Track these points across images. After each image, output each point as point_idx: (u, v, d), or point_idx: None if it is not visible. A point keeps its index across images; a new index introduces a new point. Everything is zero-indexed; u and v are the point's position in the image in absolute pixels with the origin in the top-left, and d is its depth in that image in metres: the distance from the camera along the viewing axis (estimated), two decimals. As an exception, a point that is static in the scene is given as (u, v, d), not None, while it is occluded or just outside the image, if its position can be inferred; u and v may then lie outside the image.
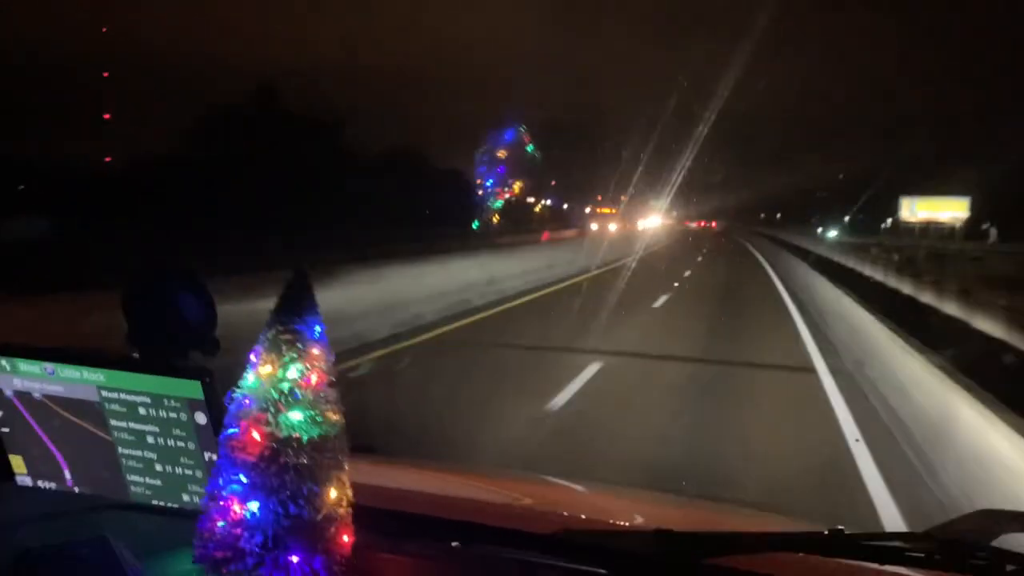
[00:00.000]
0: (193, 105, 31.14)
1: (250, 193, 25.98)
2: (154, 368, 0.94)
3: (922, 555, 0.94)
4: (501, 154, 50.42)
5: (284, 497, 0.79)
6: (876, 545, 0.98)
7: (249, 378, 0.83)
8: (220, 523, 0.80)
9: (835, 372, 7.01)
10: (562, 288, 15.42)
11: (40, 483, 1.02)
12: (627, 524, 1.34)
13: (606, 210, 54.79)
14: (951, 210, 47.00)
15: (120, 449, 0.97)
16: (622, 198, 49.44)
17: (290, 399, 0.81)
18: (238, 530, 0.79)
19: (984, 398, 3.92)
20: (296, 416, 0.81)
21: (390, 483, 1.37)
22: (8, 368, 0.98)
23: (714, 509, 1.74)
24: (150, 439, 0.96)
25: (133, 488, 0.99)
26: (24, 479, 1.02)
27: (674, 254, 31.37)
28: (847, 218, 53.73)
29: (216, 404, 0.90)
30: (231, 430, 0.81)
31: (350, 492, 0.85)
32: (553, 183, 57.04)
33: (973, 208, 46.35)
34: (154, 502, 0.98)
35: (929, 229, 46.38)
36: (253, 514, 0.79)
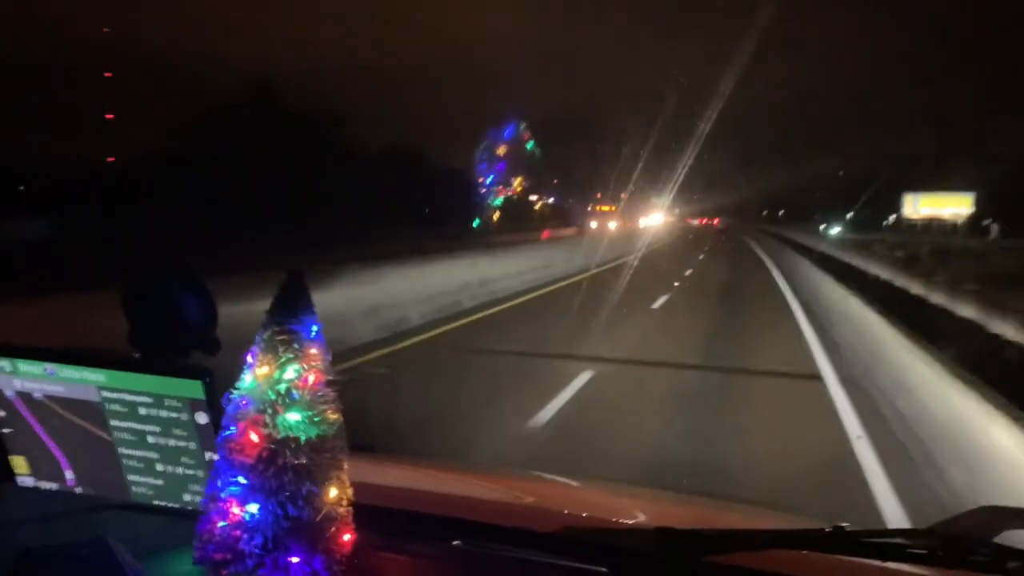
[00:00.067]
0: (193, 105, 31.22)
1: (249, 193, 26.01)
2: (155, 368, 0.94)
3: (924, 552, 0.94)
4: (501, 151, 50.43)
5: (283, 498, 0.79)
6: (878, 542, 0.98)
7: (246, 379, 0.82)
8: (220, 524, 0.80)
9: (844, 381, 6.50)
10: (558, 288, 14.93)
11: (41, 483, 1.02)
12: (628, 522, 1.34)
13: (606, 207, 54.31)
14: (955, 206, 46.90)
15: (121, 449, 0.98)
16: (622, 195, 49.28)
17: (288, 400, 0.81)
18: (238, 531, 0.79)
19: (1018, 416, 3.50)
20: (294, 417, 0.81)
21: (390, 482, 1.37)
22: (9, 369, 0.98)
23: (715, 506, 1.74)
24: (151, 439, 0.96)
25: (134, 488, 0.99)
26: (25, 479, 1.03)
27: (676, 252, 30.72)
28: (850, 215, 53.63)
29: (217, 404, 0.89)
30: (229, 432, 0.81)
31: (350, 491, 0.85)
32: (556, 181, 57.03)
33: (977, 204, 46.26)
34: (155, 502, 0.98)
35: (932, 226, 46.34)
36: (252, 515, 0.79)
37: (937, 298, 8.06)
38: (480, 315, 10.63)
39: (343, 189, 29.44)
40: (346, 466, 0.85)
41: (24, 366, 0.98)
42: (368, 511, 0.89)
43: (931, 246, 30.00)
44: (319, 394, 0.82)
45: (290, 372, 0.81)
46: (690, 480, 4.05)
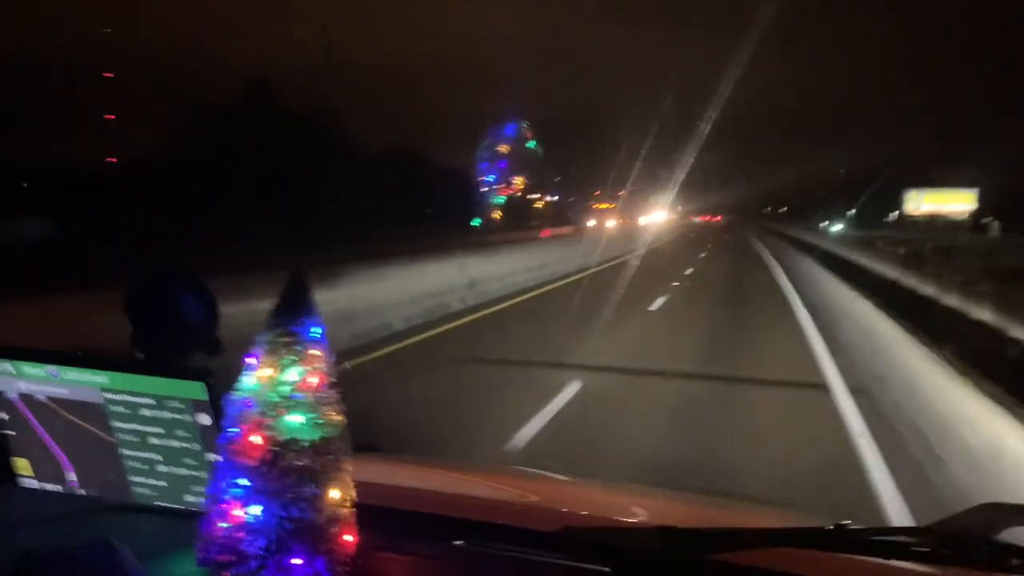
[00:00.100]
0: (193, 105, 31.23)
1: (249, 192, 26.04)
2: (157, 369, 0.94)
3: (926, 549, 0.94)
4: (502, 150, 50.39)
5: (286, 500, 0.79)
6: (880, 540, 0.98)
7: (249, 381, 0.83)
8: (222, 526, 0.80)
9: (855, 392, 5.88)
10: (552, 290, 14.34)
11: (44, 485, 1.03)
12: (630, 521, 1.34)
13: (604, 205, 53.71)
14: (959, 202, 46.81)
15: (123, 451, 0.98)
16: (620, 193, 49.06)
17: (290, 402, 0.81)
18: (240, 533, 0.80)
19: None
20: (297, 419, 0.81)
21: (393, 482, 1.37)
22: (12, 371, 0.98)
23: (717, 505, 1.74)
24: (153, 440, 0.96)
25: (137, 489, 0.99)
26: (28, 481, 1.03)
27: (677, 250, 30.04)
28: (851, 212, 53.58)
29: (219, 405, 0.89)
30: (232, 433, 0.81)
31: (352, 493, 0.85)
32: (558, 179, 57.03)
33: (981, 201, 46.18)
34: (158, 503, 0.98)
35: (935, 222, 46.28)
36: (255, 517, 0.79)
37: (953, 301, 7.73)
38: (467, 319, 10.09)
39: (343, 189, 29.44)
40: (348, 467, 0.85)
41: (27, 368, 0.98)
42: (370, 511, 0.89)
43: (934, 243, 29.91)
44: (321, 396, 0.83)
45: (292, 374, 0.81)
46: (692, 479, 4.05)
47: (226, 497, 0.80)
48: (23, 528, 1.01)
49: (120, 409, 0.96)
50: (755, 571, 0.97)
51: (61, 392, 0.97)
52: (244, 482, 0.80)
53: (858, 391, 5.87)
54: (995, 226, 41.81)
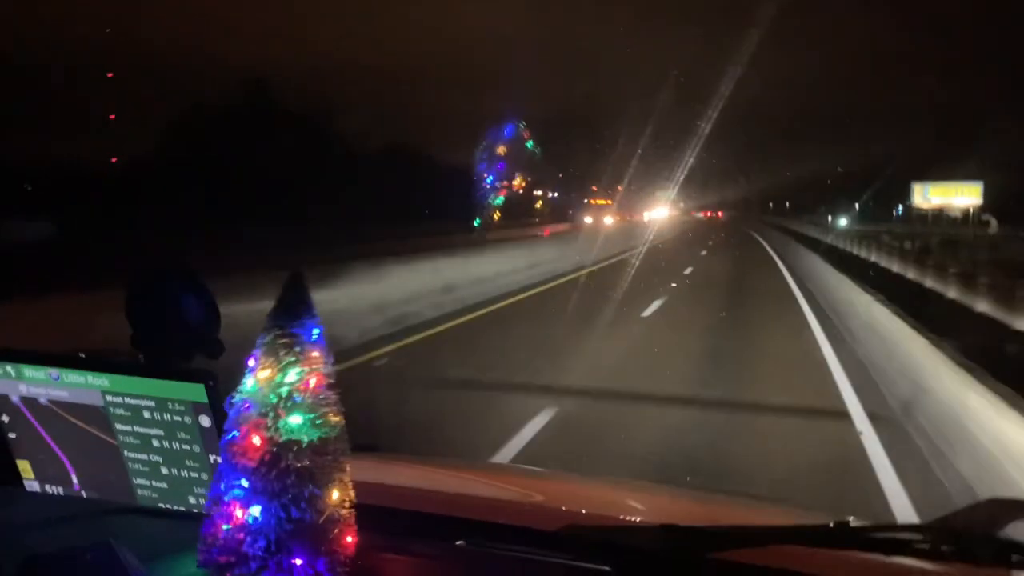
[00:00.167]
0: (193, 105, 31.23)
1: (248, 192, 26.06)
2: (158, 372, 0.94)
3: (929, 546, 0.94)
4: (502, 150, 50.29)
5: (286, 501, 0.80)
6: (883, 537, 0.98)
7: (248, 382, 0.83)
8: (223, 527, 0.81)
9: (876, 418, 5.11)
10: (539, 293, 13.31)
11: (47, 488, 1.03)
12: (632, 519, 1.34)
13: (601, 201, 52.53)
14: (965, 195, 46.60)
15: (126, 453, 0.98)
16: (618, 188, 48.70)
17: (289, 403, 0.81)
18: (241, 534, 0.80)
19: None
20: (296, 420, 0.81)
21: (393, 482, 1.37)
22: (14, 374, 0.98)
23: (719, 502, 1.74)
24: (155, 443, 0.96)
25: (139, 492, 0.99)
26: (31, 484, 1.03)
27: (678, 247, 29.07)
28: (856, 206, 53.46)
29: (220, 407, 0.90)
30: (231, 435, 0.82)
31: (352, 493, 0.85)
32: (560, 175, 56.92)
33: (986, 194, 46.03)
34: (160, 505, 0.99)
35: (942, 216, 46.14)
36: (256, 518, 0.80)
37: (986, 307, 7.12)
38: (438, 329, 9.17)
39: (342, 189, 29.45)
40: (348, 468, 0.85)
41: (29, 371, 0.98)
42: (371, 512, 0.89)
43: (940, 237, 29.73)
44: (321, 397, 0.83)
45: (292, 375, 0.81)
46: (692, 477, 4.04)
47: (227, 498, 0.81)
48: (28, 530, 1.01)
49: (121, 412, 0.96)
50: (756, 569, 0.97)
51: (62, 395, 0.98)
52: (244, 483, 0.80)
53: (906, 465, 4.25)
54: (993, 223, 41.88)
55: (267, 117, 31.69)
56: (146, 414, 0.95)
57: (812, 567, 0.98)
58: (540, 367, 6.91)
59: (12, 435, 1.01)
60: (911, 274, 10.70)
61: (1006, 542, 0.92)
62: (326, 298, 7.37)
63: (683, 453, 4.47)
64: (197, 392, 0.92)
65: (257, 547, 0.79)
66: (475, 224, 36.83)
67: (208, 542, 0.81)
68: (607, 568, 0.98)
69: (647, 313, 10.58)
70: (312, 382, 0.82)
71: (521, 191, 51.80)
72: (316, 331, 0.84)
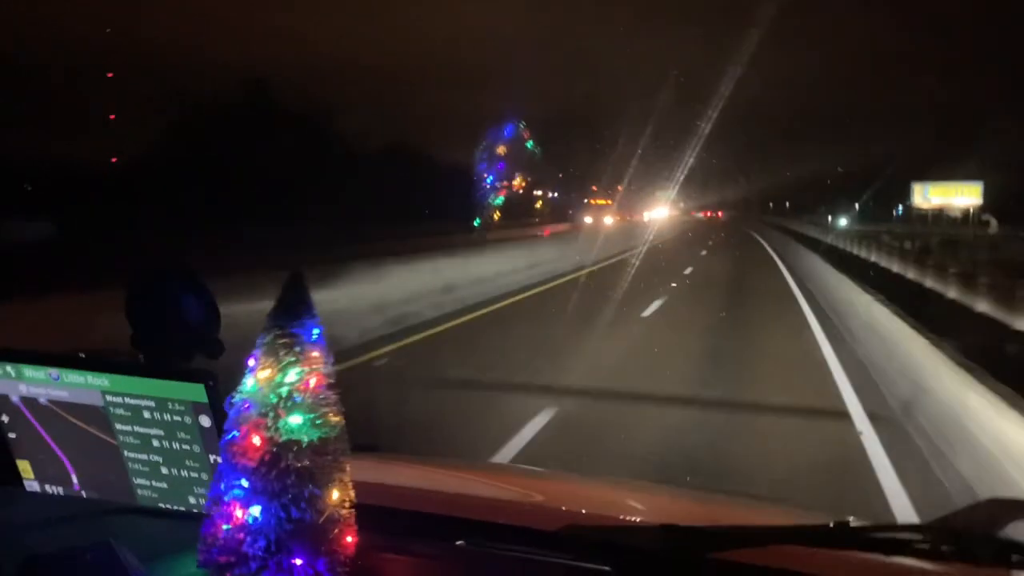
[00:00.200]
0: (193, 105, 31.23)
1: (248, 192, 26.09)
2: (158, 372, 0.94)
3: (929, 546, 0.94)
4: (502, 150, 50.28)
5: (286, 501, 0.80)
6: (883, 537, 0.98)
7: (248, 382, 0.83)
8: (223, 527, 0.81)
9: (876, 418, 5.12)
10: (539, 293, 13.20)
11: (47, 488, 1.03)
12: (631, 519, 1.34)
13: (601, 201, 52.05)
14: (965, 195, 46.58)
15: (126, 453, 0.98)
16: (618, 188, 48.50)
17: (289, 403, 0.81)
18: (241, 534, 0.80)
19: None
20: (296, 420, 0.81)
21: (393, 482, 1.37)
22: (13, 374, 0.98)
23: (719, 502, 1.74)
24: (155, 443, 0.96)
25: (139, 492, 0.99)
26: (31, 484, 1.03)
27: (678, 247, 28.93)
28: (857, 206, 53.46)
29: (220, 407, 0.90)
30: (232, 435, 0.82)
31: (352, 493, 0.85)
32: (560, 175, 56.92)
33: (986, 194, 46.02)
34: (161, 505, 0.99)
35: (942, 216, 46.14)
36: (255, 518, 0.80)
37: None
38: (438, 329, 9.11)
39: (342, 189, 29.47)
40: (348, 468, 0.85)
41: (29, 371, 0.98)
42: (371, 512, 0.90)
43: (940, 237, 29.64)
44: (321, 397, 0.83)
45: (292, 375, 0.82)
46: (692, 477, 4.04)
47: (227, 498, 0.81)
48: (26, 530, 1.01)
49: (121, 412, 0.96)
50: (756, 568, 0.97)
51: (62, 395, 0.98)
52: (244, 483, 0.80)
53: (906, 465, 4.22)
54: (993, 223, 41.96)
55: (267, 117, 31.70)
56: (146, 414, 0.95)
57: (812, 567, 0.98)
58: (540, 367, 6.86)
59: (12, 435, 1.01)
60: (911, 274, 10.54)
61: (1006, 542, 0.92)
62: (326, 298, 7.33)
63: (683, 453, 4.46)
64: (197, 392, 0.92)
65: (257, 547, 0.79)
66: (475, 224, 36.85)
67: (208, 542, 0.81)
68: (607, 568, 0.98)
69: (647, 313, 10.48)
70: (312, 382, 0.82)
71: (521, 191, 51.80)
72: (316, 331, 0.84)
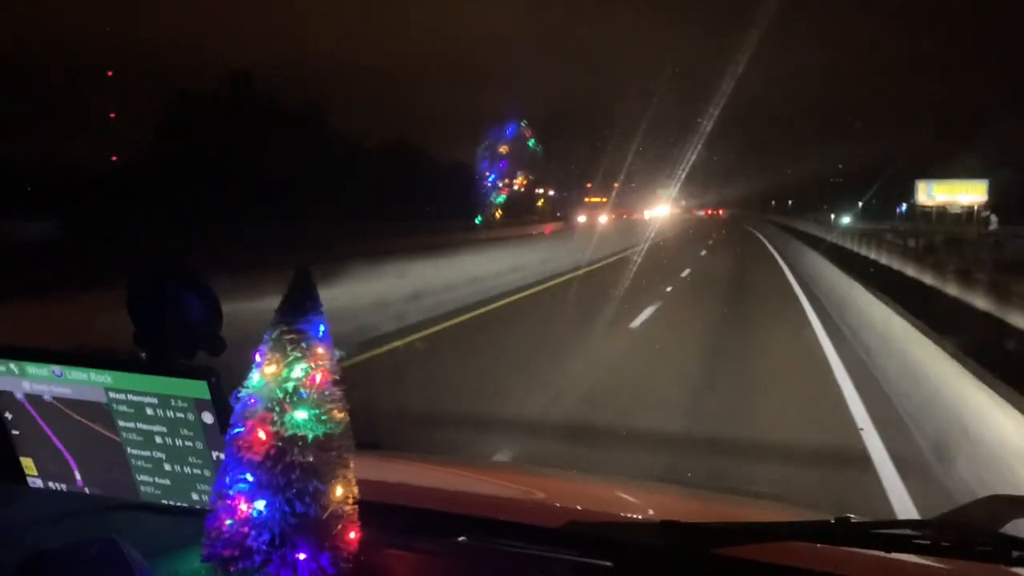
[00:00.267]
0: (193, 104, 31.25)
1: (248, 191, 26.13)
2: (160, 369, 0.94)
3: (929, 542, 0.94)
4: (503, 149, 50.26)
5: (290, 495, 0.80)
6: (883, 533, 0.98)
7: (254, 378, 0.83)
8: (227, 522, 0.81)
9: (906, 470, 4.10)
10: (516, 301, 11.90)
11: (51, 484, 1.03)
12: (633, 516, 1.35)
13: (595, 199, 50.61)
14: (970, 193, 46.40)
15: (129, 450, 0.98)
16: (614, 185, 47.98)
17: (295, 398, 0.82)
18: (245, 528, 0.80)
19: None
20: (301, 415, 0.81)
21: (396, 479, 1.38)
22: (17, 372, 0.99)
23: (719, 499, 1.74)
24: (158, 439, 0.97)
25: (143, 488, 1.00)
26: (35, 481, 1.04)
27: (676, 247, 27.64)
28: (860, 204, 53.36)
29: (223, 403, 0.90)
30: (237, 430, 0.82)
31: (356, 489, 0.86)
32: (562, 174, 56.87)
33: (991, 192, 45.86)
34: (164, 501, 0.99)
35: (946, 213, 46.01)
36: (260, 512, 0.80)
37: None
38: (394, 344, 7.89)
39: (343, 189, 29.50)
40: (352, 464, 0.86)
41: (32, 369, 0.98)
42: (374, 508, 0.90)
43: (944, 235, 29.37)
44: (326, 393, 0.83)
45: (298, 371, 0.82)
46: (692, 475, 4.05)
47: (231, 492, 0.81)
48: (29, 527, 1.01)
49: (124, 408, 0.97)
50: (757, 565, 0.97)
51: (65, 392, 0.98)
52: (249, 478, 0.81)
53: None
54: (994, 219, 41.94)
55: (267, 117, 31.73)
56: (149, 411, 0.96)
57: (812, 563, 0.98)
58: (503, 393, 5.78)
59: (16, 432, 1.02)
60: (929, 279, 9.71)
61: (1007, 538, 0.92)
62: (252, 311, 5.94)
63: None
64: (200, 389, 0.92)
65: (261, 541, 0.80)
66: (477, 222, 36.89)
67: (212, 536, 0.82)
68: (609, 564, 0.98)
69: (636, 324, 9.25)
70: (318, 378, 0.83)
71: (522, 189, 51.80)
72: (322, 327, 0.85)
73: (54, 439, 1.01)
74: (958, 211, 46.16)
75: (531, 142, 51.86)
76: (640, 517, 1.33)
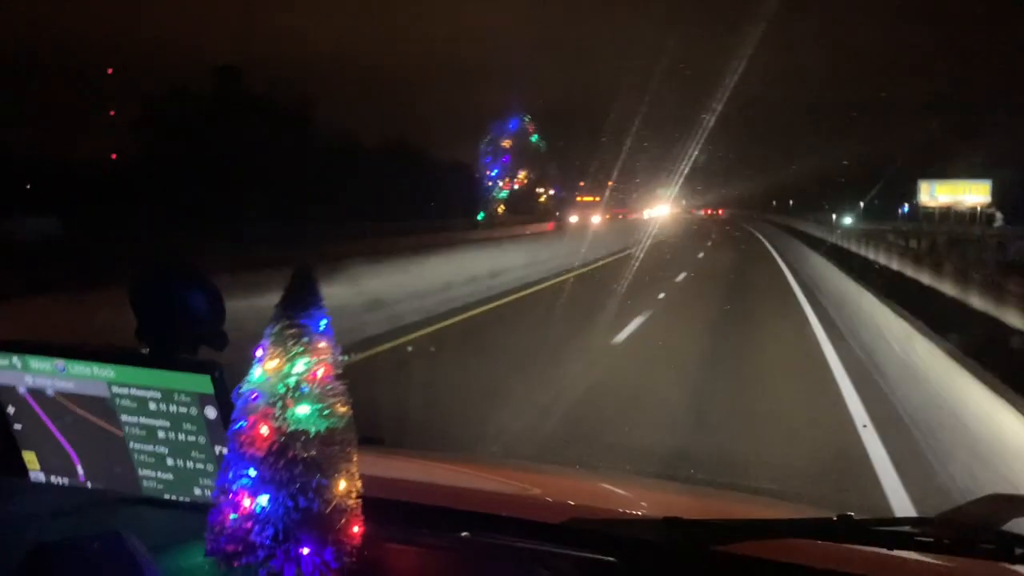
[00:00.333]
0: (192, 103, 31.28)
1: (249, 192, 26.16)
2: (163, 363, 0.94)
3: (931, 540, 0.94)
4: (505, 144, 50.25)
5: (293, 490, 0.80)
6: (885, 530, 0.98)
7: (256, 373, 0.83)
8: (231, 517, 0.81)
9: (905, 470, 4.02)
10: (493, 309, 11.02)
11: (53, 479, 1.03)
12: (635, 512, 1.35)
13: (588, 198, 49.21)
14: (974, 193, 46.32)
15: (131, 444, 0.98)
16: (609, 183, 47.44)
17: (297, 393, 0.82)
18: (249, 523, 0.81)
19: None
20: (304, 410, 0.81)
21: (399, 474, 1.38)
22: (19, 366, 0.99)
23: (722, 496, 1.74)
24: (161, 434, 0.97)
25: (145, 483, 1.00)
26: (37, 475, 1.04)
27: (674, 248, 26.57)
28: (862, 204, 53.29)
29: (226, 398, 0.90)
30: (239, 425, 0.82)
31: (359, 484, 0.86)
32: (562, 172, 56.83)
33: (994, 192, 45.78)
34: (166, 496, 0.99)
35: (949, 213, 45.96)
36: (263, 507, 0.80)
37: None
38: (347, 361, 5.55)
39: (343, 188, 29.54)
40: (355, 459, 0.86)
41: (34, 363, 0.98)
42: (377, 503, 0.90)
43: (947, 236, 29.21)
44: (328, 388, 0.83)
45: (300, 366, 0.82)
46: (698, 470, 4.05)
47: (234, 487, 0.81)
48: (32, 521, 1.02)
49: (127, 403, 0.97)
50: (759, 561, 0.97)
51: (68, 386, 0.98)
52: (252, 473, 0.81)
53: None
54: (999, 217, 41.90)
55: (267, 116, 31.76)
56: (152, 405, 0.96)
57: (815, 560, 0.98)
58: (452, 428, 4.88)
59: (18, 426, 1.02)
60: (948, 287, 9.27)
61: (1009, 536, 0.92)
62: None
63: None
64: (203, 383, 0.92)
65: (264, 536, 0.80)
66: (479, 219, 36.92)
67: (216, 531, 0.82)
68: (612, 560, 0.98)
69: (620, 338, 8.24)
70: (320, 372, 0.83)
71: (523, 186, 51.79)
72: (324, 322, 0.85)
73: (56, 433, 1.01)
74: (963, 211, 46.09)
75: (534, 137, 51.87)
76: (642, 513, 1.33)
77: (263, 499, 0.80)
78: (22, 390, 1.00)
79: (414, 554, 1.00)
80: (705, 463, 4.24)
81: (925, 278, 9.92)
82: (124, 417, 0.97)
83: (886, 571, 1.03)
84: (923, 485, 3.94)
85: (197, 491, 0.97)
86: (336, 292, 7.65)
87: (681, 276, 16.06)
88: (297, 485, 0.80)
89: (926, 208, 47.68)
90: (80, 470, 1.02)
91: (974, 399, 4.05)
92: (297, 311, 0.84)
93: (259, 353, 0.84)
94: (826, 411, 5.56)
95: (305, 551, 0.80)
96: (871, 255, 14.29)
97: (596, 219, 36.02)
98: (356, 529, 0.85)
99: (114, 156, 29.08)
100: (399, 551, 0.99)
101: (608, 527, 1.07)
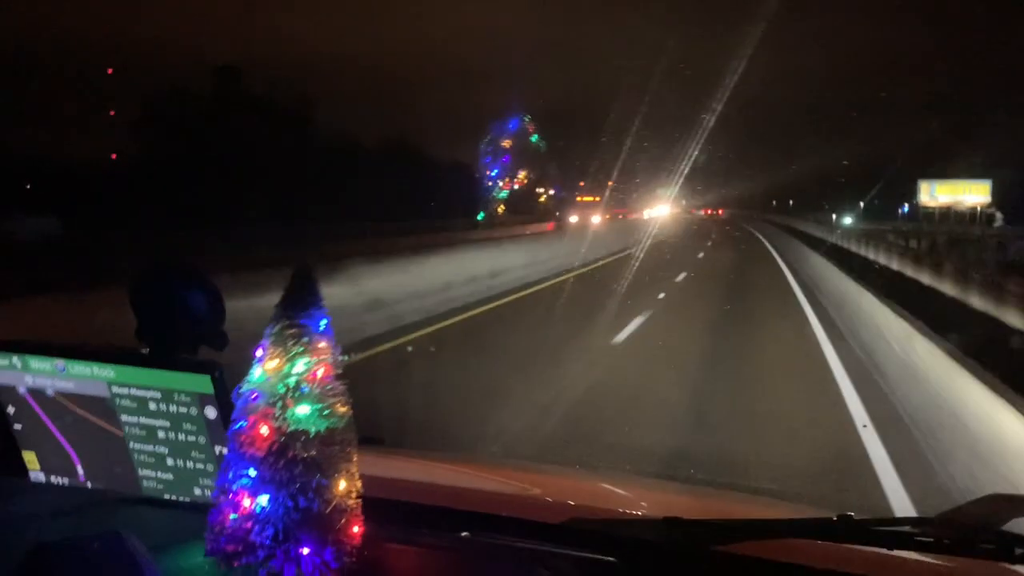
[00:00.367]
0: (192, 103, 31.30)
1: (249, 192, 26.18)
2: (163, 363, 0.94)
3: (931, 540, 0.94)
4: (505, 144, 50.25)
5: (293, 490, 0.80)
6: (885, 530, 0.98)
7: (256, 373, 0.83)
8: (231, 517, 0.81)
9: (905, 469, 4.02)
10: (493, 309, 10.96)
11: (53, 479, 1.03)
12: (635, 512, 1.35)
13: (588, 198, 49.05)
14: (974, 193, 46.30)
15: (131, 444, 0.98)
16: (609, 183, 47.35)
17: (297, 393, 0.82)
18: (249, 523, 0.81)
19: None
20: (304, 410, 0.82)
21: (399, 474, 1.38)
22: (19, 366, 0.99)
23: (722, 496, 1.74)
24: (161, 434, 0.97)
25: (145, 483, 1.00)
26: (37, 475, 1.04)
27: (674, 247, 26.65)
28: (862, 204, 53.28)
29: (226, 398, 0.90)
30: (239, 424, 0.82)
31: (359, 484, 0.86)
32: (562, 172, 56.80)
33: (995, 192, 45.76)
34: (166, 496, 0.99)
35: (949, 213, 45.96)
36: (263, 507, 0.80)
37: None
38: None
39: (343, 187, 29.55)
40: (355, 459, 0.86)
41: (35, 363, 0.98)
42: (377, 503, 0.90)
43: (947, 236, 29.20)
44: (328, 388, 0.83)
45: (300, 366, 0.82)
46: (696, 471, 4.05)
47: (234, 487, 0.81)
48: (31, 521, 1.02)
49: (127, 403, 0.97)
50: (759, 561, 0.97)
51: (68, 386, 0.98)
52: (252, 473, 0.81)
53: None
54: (999, 216, 41.91)
55: (267, 116, 31.77)
56: (152, 405, 0.96)
57: (815, 560, 0.98)
58: (463, 423, 5.01)
59: (18, 426, 1.02)
60: (948, 287, 9.24)
61: (1009, 536, 0.92)
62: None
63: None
64: (203, 383, 0.92)
65: (264, 536, 0.80)
66: (479, 218, 36.91)
67: (216, 531, 0.82)
68: (612, 560, 0.98)
69: (620, 338, 8.26)
70: (320, 372, 0.83)
71: (523, 186, 51.78)
72: (324, 322, 0.85)
73: (56, 433, 1.01)
74: (963, 211, 46.08)
75: (534, 137, 51.87)
76: (642, 513, 1.33)
77: (263, 499, 0.80)
78: (22, 390, 1.00)
79: (414, 554, 1.00)
80: (705, 463, 4.28)
81: (925, 278, 9.96)
82: (124, 417, 0.97)
83: (886, 571, 1.03)
84: (923, 485, 3.94)
85: (197, 491, 0.97)
86: (336, 292, 7.64)
87: (681, 276, 16.09)
88: (297, 485, 0.80)
89: (926, 208, 47.66)
90: (80, 470, 1.02)
91: (974, 399, 4.05)
92: (297, 311, 0.84)
93: (259, 353, 0.84)
94: (826, 411, 5.67)
95: (305, 551, 0.80)
96: (871, 255, 14.37)
97: (596, 219, 36.02)
98: (356, 529, 0.85)
99: (114, 156, 29.09)
100: (399, 551, 0.99)
101: (608, 527, 1.07)
